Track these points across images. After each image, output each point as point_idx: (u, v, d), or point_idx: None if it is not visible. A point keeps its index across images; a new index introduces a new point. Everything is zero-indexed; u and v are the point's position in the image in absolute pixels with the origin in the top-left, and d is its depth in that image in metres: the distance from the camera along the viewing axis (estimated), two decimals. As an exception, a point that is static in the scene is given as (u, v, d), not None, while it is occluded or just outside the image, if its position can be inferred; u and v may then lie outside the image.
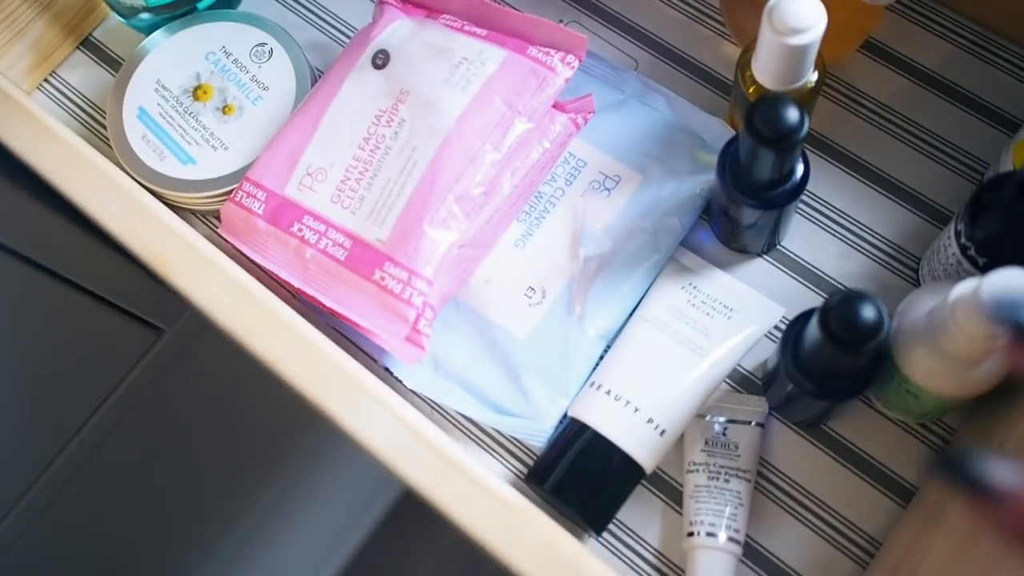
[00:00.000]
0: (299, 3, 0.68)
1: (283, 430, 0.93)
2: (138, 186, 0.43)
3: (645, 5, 0.65)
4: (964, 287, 0.42)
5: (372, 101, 0.57)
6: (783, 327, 0.57)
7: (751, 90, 0.54)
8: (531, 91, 0.55)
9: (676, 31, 0.64)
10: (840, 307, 0.42)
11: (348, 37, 0.67)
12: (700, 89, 0.63)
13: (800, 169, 0.51)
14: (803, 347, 0.47)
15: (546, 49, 0.56)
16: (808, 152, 0.59)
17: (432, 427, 0.42)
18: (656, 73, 0.63)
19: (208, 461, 0.84)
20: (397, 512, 1.31)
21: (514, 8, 0.66)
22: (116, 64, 0.67)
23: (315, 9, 0.68)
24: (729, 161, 0.52)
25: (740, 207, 0.52)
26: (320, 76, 0.64)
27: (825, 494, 0.53)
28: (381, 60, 0.57)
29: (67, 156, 0.42)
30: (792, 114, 0.46)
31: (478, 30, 0.57)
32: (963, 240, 0.48)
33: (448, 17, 0.59)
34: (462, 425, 0.57)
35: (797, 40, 0.48)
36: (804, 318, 0.49)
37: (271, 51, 0.62)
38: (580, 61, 0.56)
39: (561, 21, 0.65)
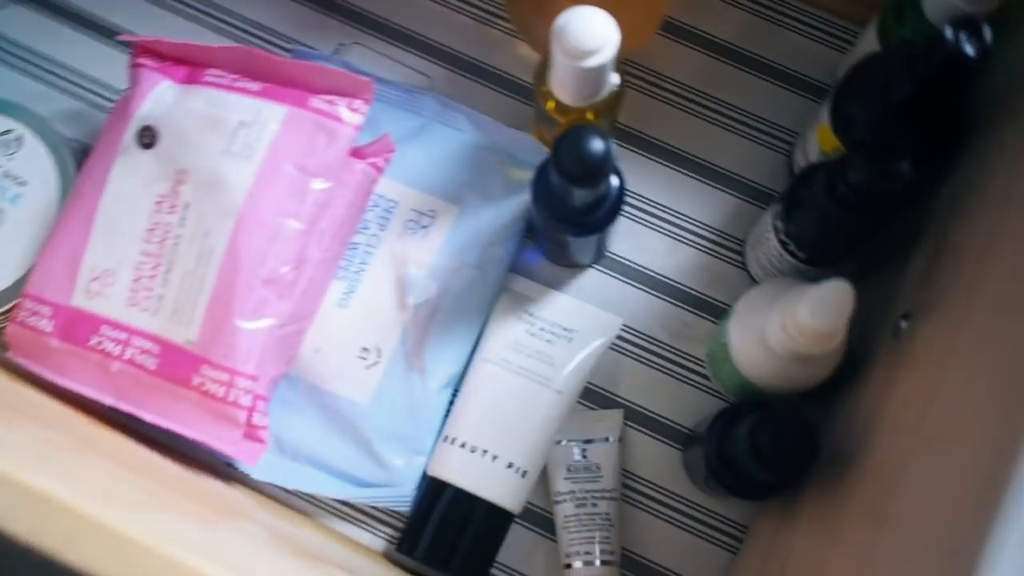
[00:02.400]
0: (40, 67, 0.60)
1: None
2: None
3: (429, 14, 0.61)
4: (790, 313, 0.42)
5: (148, 186, 0.51)
6: (624, 335, 0.56)
7: (550, 105, 0.51)
8: (321, 148, 0.51)
9: (466, 38, 0.61)
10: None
11: (104, 99, 0.60)
12: (501, 98, 0.60)
13: (615, 183, 0.50)
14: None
15: (329, 98, 0.51)
16: (618, 147, 0.58)
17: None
18: (453, 86, 0.60)
19: None
20: None
21: (289, 37, 0.61)
22: None
23: (60, 72, 0.60)
24: (543, 191, 0.50)
25: (563, 234, 0.50)
26: (84, 158, 0.57)
27: (687, 491, 0.54)
28: (148, 138, 0.51)
29: None
30: (596, 146, 0.44)
31: (251, 84, 0.52)
32: (782, 236, 0.49)
33: (215, 72, 0.53)
34: (322, 503, 0.55)
35: (591, 62, 0.46)
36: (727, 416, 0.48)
37: (20, 138, 0.55)
38: (368, 104, 0.52)
39: (342, 44, 0.61)
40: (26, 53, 0.60)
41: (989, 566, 0.28)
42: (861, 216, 0.43)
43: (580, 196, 0.47)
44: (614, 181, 0.50)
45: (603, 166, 0.44)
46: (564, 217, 0.49)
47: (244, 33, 0.61)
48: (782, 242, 0.49)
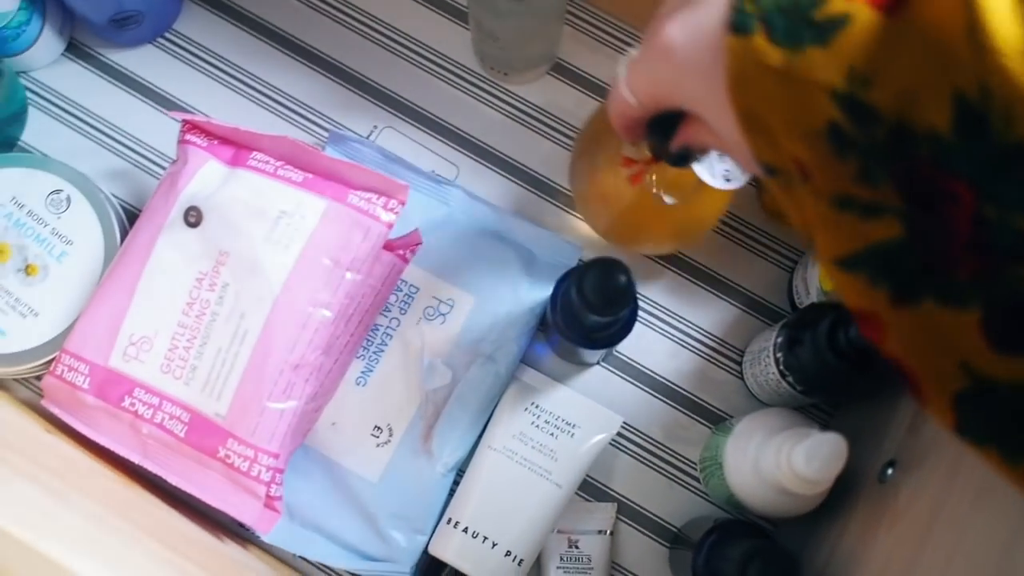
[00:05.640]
0: (90, 126, 0.63)
1: None
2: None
3: (461, 105, 0.64)
4: (785, 453, 0.46)
5: (190, 263, 0.54)
6: (623, 432, 0.59)
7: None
8: (356, 243, 0.54)
9: (495, 132, 0.64)
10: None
11: (151, 161, 0.63)
12: (521, 191, 0.63)
13: (630, 308, 0.53)
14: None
15: (366, 195, 0.55)
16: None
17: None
18: (478, 177, 0.63)
19: None
20: None
21: (327, 116, 0.64)
22: None
23: (108, 131, 0.63)
24: (562, 304, 0.53)
25: (575, 345, 0.54)
26: (126, 218, 0.60)
27: (673, 596, 0.58)
28: (194, 218, 0.54)
29: None
30: (621, 281, 0.47)
31: (293, 174, 0.55)
32: (782, 367, 0.52)
33: (260, 157, 0.56)
34: (328, 570, 0.58)
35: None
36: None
37: (69, 198, 0.58)
38: (403, 205, 0.55)
39: (375, 127, 0.64)
40: (77, 108, 0.63)
41: None
42: (860, 369, 0.47)
43: (597, 320, 0.50)
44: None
45: (624, 300, 0.47)
46: (579, 331, 0.53)
47: (284, 108, 0.64)
48: (781, 372, 0.52)
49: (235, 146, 0.57)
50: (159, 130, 0.63)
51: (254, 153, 0.56)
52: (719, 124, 0.32)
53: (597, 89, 0.64)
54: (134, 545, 0.44)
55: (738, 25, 0.28)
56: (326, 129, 0.64)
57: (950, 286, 0.26)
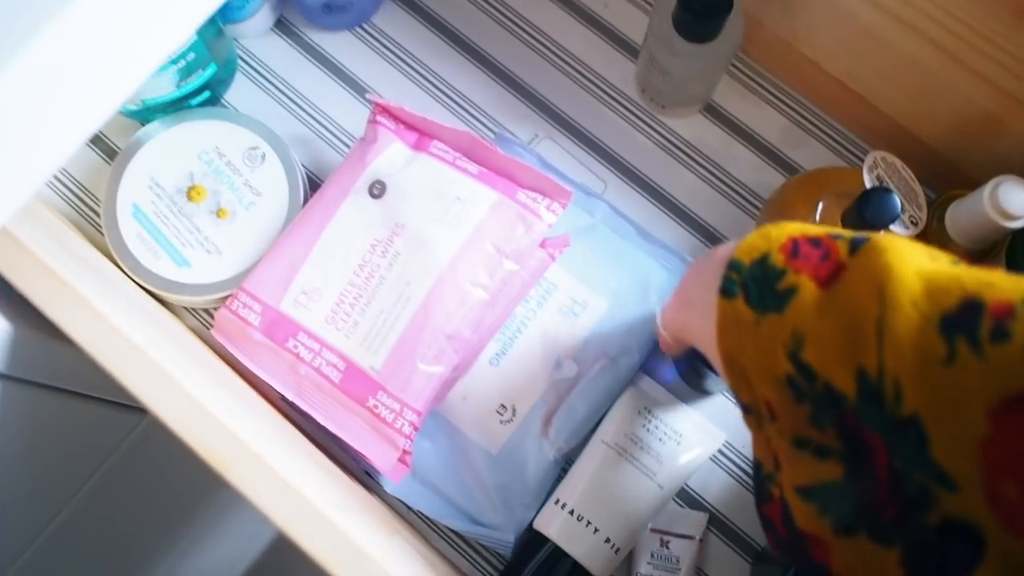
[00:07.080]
0: (285, 95, 0.70)
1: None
2: (193, 383, 0.45)
3: (617, 129, 0.70)
4: None
5: (368, 229, 0.60)
6: (724, 450, 0.64)
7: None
8: (519, 236, 0.60)
9: (645, 158, 0.69)
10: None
11: (332, 134, 0.70)
12: (661, 215, 0.68)
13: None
14: None
15: (533, 195, 0.60)
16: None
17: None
18: (623, 196, 0.69)
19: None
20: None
21: (494, 119, 0.70)
22: (101, 143, 0.68)
23: (299, 102, 0.70)
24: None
25: (704, 374, 0.59)
26: (308, 182, 0.67)
27: (750, 607, 0.62)
28: (378, 190, 0.61)
29: (129, 352, 0.45)
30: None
31: (470, 166, 0.61)
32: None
33: (439, 146, 0.62)
34: (437, 527, 0.63)
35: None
36: None
37: (264, 156, 0.64)
38: (564, 208, 0.61)
39: (536, 135, 0.70)
40: (275, 78, 0.70)
41: None
42: None
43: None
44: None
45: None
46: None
47: (457, 106, 0.70)
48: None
49: (419, 133, 0.63)
50: (344, 108, 0.70)
51: (435, 142, 0.63)
52: (716, 366, 0.40)
53: (742, 133, 0.70)
54: (298, 457, 0.50)
55: (726, 290, 0.37)
56: (492, 130, 0.70)
57: (878, 526, 0.31)
